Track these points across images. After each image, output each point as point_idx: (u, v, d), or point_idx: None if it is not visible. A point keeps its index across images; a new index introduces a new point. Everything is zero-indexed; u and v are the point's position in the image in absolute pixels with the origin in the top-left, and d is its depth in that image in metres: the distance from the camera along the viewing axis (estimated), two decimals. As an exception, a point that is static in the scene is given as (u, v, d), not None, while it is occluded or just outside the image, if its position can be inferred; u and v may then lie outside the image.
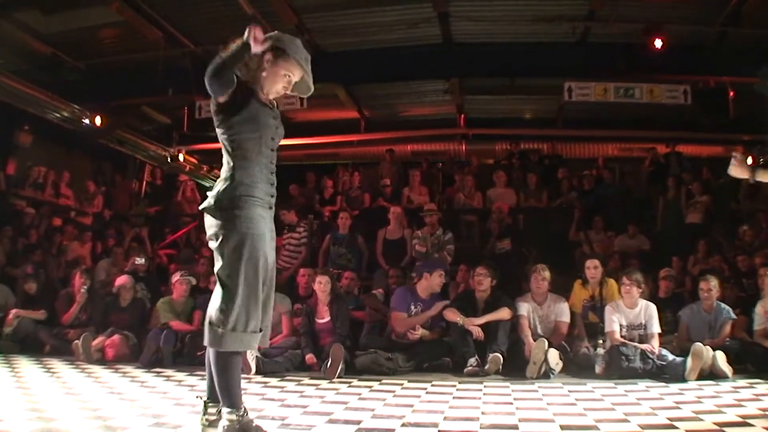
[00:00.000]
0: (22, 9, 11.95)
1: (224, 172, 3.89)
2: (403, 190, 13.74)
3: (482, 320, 7.85)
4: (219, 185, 3.86)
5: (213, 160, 19.56)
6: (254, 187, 3.84)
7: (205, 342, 3.76)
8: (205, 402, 3.98)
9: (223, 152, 3.92)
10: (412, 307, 8.32)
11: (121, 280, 9.54)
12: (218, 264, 3.79)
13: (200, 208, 3.91)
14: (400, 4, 12.16)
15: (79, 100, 14.66)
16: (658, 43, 11.85)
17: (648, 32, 11.86)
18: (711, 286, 7.95)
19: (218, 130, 3.92)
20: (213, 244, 3.83)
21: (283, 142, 4.13)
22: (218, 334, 3.68)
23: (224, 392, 3.77)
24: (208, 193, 3.91)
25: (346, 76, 14.75)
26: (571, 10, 11.98)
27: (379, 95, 16.64)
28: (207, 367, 3.94)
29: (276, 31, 4.10)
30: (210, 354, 3.83)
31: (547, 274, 8.16)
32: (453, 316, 7.93)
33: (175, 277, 9.15)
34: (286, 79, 4.04)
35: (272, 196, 4.00)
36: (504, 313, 7.92)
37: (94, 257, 12.95)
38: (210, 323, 3.73)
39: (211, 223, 3.84)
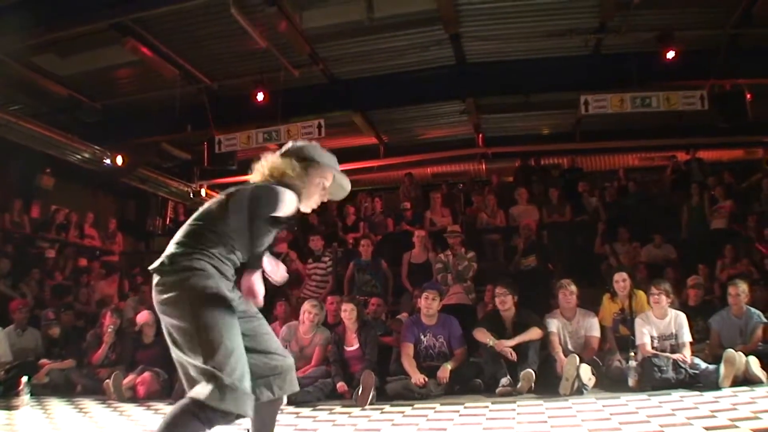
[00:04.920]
0: (38, 53, 12.12)
1: (190, 239, 3.54)
2: (425, 213, 13.74)
3: (513, 342, 7.80)
4: (177, 248, 3.52)
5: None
6: (219, 265, 3.52)
7: (198, 395, 3.23)
8: None
9: (202, 224, 3.60)
10: (422, 337, 8.26)
11: (143, 317, 9.57)
12: (182, 326, 3.36)
13: (150, 268, 3.52)
14: (411, 29, 12.19)
15: (99, 141, 14.88)
16: (670, 55, 11.84)
17: (660, 41, 11.84)
18: (740, 291, 7.89)
19: (218, 222, 3.57)
20: (166, 306, 3.42)
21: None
22: (219, 388, 3.22)
23: None
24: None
25: (363, 103, 14.83)
26: (581, 23, 11.96)
27: (396, 120, 16.65)
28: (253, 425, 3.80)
29: (290, 143, 3.94)
30: (176, 407, 3.28)
31: (573, 288, 8.13)
32: (483, 336, 7.90)
33: None
34: (321, 187, 3.89)
35: (233, 276, 3.65)
36: (534, 334, 7.89)
37: (121, 296, 13.04)
38: (207, 376, 3.25)
39: (162, 285, 3.44)
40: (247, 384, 3.33)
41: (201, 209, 3.70)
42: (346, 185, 4.04)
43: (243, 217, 3.33)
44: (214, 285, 3.41)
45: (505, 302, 8.16)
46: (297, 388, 3.85)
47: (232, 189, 3.62)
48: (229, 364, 3.27)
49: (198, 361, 3.27)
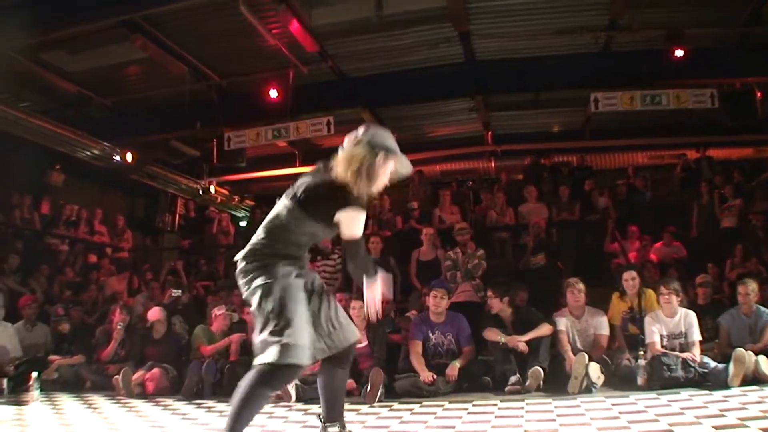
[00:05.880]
0: (47, 50, 12.17)
1: (263, 233, 4.05)
2: (434, 210, 13.69)
3: (525, 338, 7.78)
4: (254, 241, 4.04)
5: (243, 190, 19.76)
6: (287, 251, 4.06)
7: (263, 359, 3.73)
8: (323, 422, 4.20)
9: (273, 220, 4.06)
10: (431, 335, 8.23)
11: (154, 314, 9.56)
12: (256, 303, 3.90)
13: (235, 259, 4.07)
14: (421, 26, 12.21)
15: (108, 137, 14.94)
16: (679, 53, 11.85)
17: (670, 38, 11.82)
18: (749, 289, 7.86)
19: (288, 214, 4.01)
20: (246, 289, 3.97)
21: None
22: (281, 347, 3.70)
23: (236, 418, 3.65)
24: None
25: (371, 100, 14.80)
26: (591, 21, 11.96)
27: (405, 117, 16.60)
28: (322, 391, 4.23)
29: (360, 132, 4.07)
30: (245, 380, 3.73)
31: (581, 287, 8.10)
32: (494, 335, 7.88)
33: (220, 311, 9.16)
34: (390, 172, 4.17)
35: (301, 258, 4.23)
36: (545, 330, 7.86)
37: (131, 292, 13.04)
38: (265, 342, 3.77)
39: (241, 272, 4.01)
40: (302, 341, 3.78)
41: (274, 211, 4.11)
42: (408, 165, 4.35)
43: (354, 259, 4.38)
44: (282, 271, 3.93)
45: (493, 306, 8.22)
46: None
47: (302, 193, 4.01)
48: (287, 330, 3.74)
49: (265, 334, 3.78)
